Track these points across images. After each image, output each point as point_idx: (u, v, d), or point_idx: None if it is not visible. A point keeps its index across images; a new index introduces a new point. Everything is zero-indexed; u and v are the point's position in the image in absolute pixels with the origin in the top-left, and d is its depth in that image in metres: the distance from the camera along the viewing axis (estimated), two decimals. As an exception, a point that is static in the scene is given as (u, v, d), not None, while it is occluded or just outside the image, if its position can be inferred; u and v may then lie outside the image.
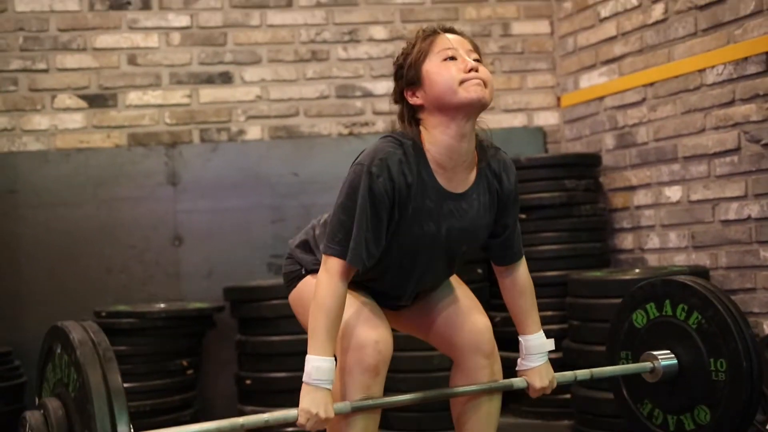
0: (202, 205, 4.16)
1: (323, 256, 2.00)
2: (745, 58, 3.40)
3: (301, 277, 2.22)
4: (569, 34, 4.43)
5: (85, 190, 4.08)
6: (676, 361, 2.52)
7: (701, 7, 3.61)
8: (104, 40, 4.19)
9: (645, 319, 2.65)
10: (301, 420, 1.92)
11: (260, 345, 3.68)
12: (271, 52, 4.32)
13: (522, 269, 2.22)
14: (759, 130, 3.35)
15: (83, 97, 4.16)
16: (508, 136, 4.38)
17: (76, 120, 4.15)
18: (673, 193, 3.80)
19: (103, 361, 1.68)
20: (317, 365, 1.92)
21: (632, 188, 4.02)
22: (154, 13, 4.23)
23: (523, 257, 2.24)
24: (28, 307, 3.96)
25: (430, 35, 2.05)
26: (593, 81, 4.28)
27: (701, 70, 3.62)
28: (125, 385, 1.72)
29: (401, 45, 4.50)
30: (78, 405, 1.70)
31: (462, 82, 1.96)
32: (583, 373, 2.42)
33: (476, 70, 1.98)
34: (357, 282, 2.09)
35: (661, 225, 3.86)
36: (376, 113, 4.36)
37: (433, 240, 2.05)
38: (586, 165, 4.04)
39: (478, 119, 2.04)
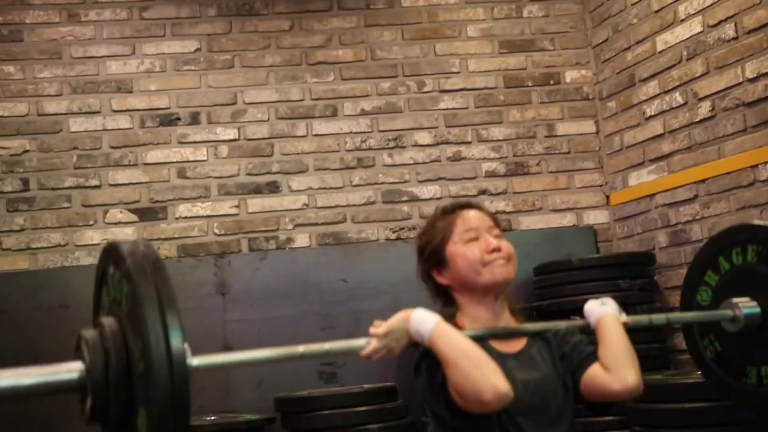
0: (252, 314, 4.11)
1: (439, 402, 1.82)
2: (799, 153, 3.32)
3: None
4: (615, 132, 4.39)
5: (136, 303, 4.06)
6: (758, 307, 2.22)
7: (749, 104, 3.54)
8: (154, 155, 4.24)
9: (717, 278, 2.38)
10: (366, 352, 1.81)
11: (312, 458, 3.57)
12: (318, 160, 4.34)
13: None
14: (819, 225, 3.24)
15: (134, 211, 4.19)
16: (558, 235, 4.31)
17: (127, 233, 4.17)
18: (733, 291, 3.66)
19: (152, 270, 1.57)
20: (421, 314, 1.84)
21: (689, 287, 3.89)
22: (203, 127, 4.28)
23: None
24: (77, 421, 3.90)
25: (449, 214, 2.03)
26: (642, 179, 4.21)
27: (754, 166, 3.53)
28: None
29: (446, 149, 4.51)
30: (130, 315, 1.59)
31: (485, 264, 1.94)
32: (658, 318, 2.24)
33: (498, 249, 1.96)
34: None
35: (722, 324, 3.71)
36: (423, 217, 4.32)
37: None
38: (641, 264, 3.93)
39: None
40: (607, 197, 4.46)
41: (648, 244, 4.14)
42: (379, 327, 1.84)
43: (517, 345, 1.98)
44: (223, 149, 4.29)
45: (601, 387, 1.89)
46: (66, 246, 4.13)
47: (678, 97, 3.95)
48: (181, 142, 4.27)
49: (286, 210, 4.29)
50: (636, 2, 4.20)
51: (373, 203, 4.34)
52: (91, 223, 4.16)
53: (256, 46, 4.37)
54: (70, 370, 1.61)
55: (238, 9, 4.38)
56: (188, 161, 4.27)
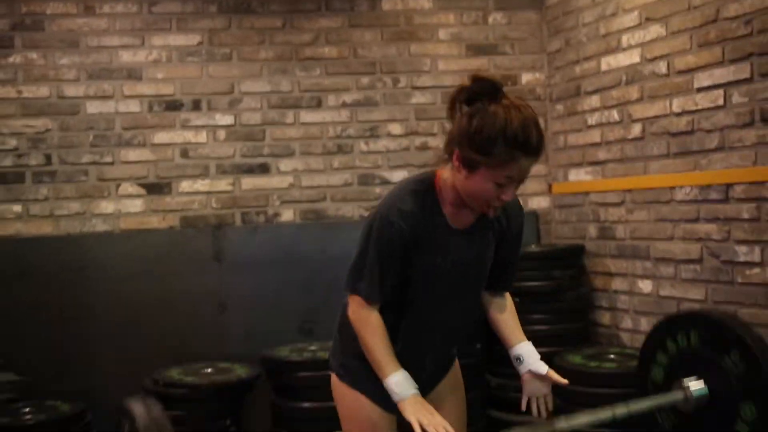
0: (243, 279, 4.52)
1: (349, 295, 2.18)
2: (709, 186, 3.71)
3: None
4: (560, 132, 4.82)
5: (144, 266, 4.45)
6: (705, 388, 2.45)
7: (673, 134, 3.93)
8: (161, 136, 4.58)
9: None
10: (415, 426, 2.01)
11: (292, 409, 4.08)
12: (303, 146, 4.71)
13: (508, 298, 2.37)
14: (718, 248, 3.67)
15: (143, 186, 4.56)
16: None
17: (136, 205, 4.55)
18: (645, 285, 4.16)
19: None
20: (395, 381, 2.09)
21: (611, 275, 4.41)
22: (204, 113, 4.61)
23: (508, 292, 2.38)
24: (97, 367, 4.34)
25: (513, 149, 1.96)
26: (580, 177, 4.67)
27: (672, 188, 3.94)
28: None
29: (415, 139, 4.81)
30: None
31: (487, 205, 2.08)
32: (621, 411, 2.43)
33: (503, 202, 2.07)
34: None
35: (635, 311, 4.26)
36: (393, 199, 4.76)
37: (443, 270, 2.15)
38: (573, 256, 4.44)
39: None
40: (550, 186, 4.94)
41: (581, 232, 4.64)
42: None
43: (467, 219, 2.17)
44: (221, 133, 4.64)
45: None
46: (84, 214, 4.51)
47: (615, 115, 4.35)
48: (184, 126, 4.62)
49: (275, 189, 4.68)
50: (587, 23, 4.53)
51: (350, 185, 4.76)
52: (105, 194, 4.53)
53: (251, 42, 4.66)
54: None
55: (237, 7, 4.65)
56: (190, 143, 4.62)
